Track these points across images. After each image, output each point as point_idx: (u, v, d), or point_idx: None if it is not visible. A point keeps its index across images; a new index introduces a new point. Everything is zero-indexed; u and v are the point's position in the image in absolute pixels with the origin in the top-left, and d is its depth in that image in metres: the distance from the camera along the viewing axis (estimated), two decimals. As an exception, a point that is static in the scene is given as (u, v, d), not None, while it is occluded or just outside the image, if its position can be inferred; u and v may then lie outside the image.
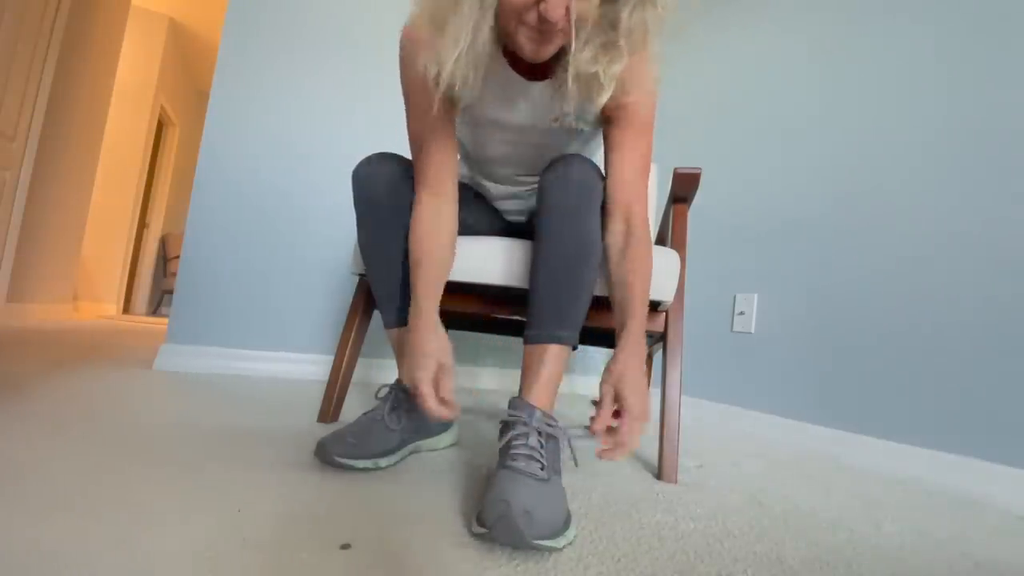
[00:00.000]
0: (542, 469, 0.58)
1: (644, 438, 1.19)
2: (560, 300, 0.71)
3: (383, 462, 0.73)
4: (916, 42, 1.19)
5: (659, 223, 1.20)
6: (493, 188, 0.94)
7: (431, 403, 0.62)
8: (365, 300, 1.03)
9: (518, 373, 1.16)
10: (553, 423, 0.65)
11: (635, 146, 0.74)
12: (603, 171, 0.76)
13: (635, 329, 0.66)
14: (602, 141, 0.80)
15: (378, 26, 1.75)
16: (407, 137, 0.78)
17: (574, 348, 0.73)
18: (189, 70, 4.82)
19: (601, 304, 0.80)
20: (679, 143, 1.90)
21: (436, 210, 0.75)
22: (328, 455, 0.69)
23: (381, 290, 0.84)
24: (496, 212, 1.01)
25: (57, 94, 2.36)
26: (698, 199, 1.58)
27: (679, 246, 0.95)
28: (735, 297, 1.57)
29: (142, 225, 4.61)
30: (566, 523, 0.54)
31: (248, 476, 0.64)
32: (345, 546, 0.48)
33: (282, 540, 0.48)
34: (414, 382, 0.63)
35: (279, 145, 1.65)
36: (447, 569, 0.46)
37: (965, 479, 0.96)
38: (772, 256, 1.47)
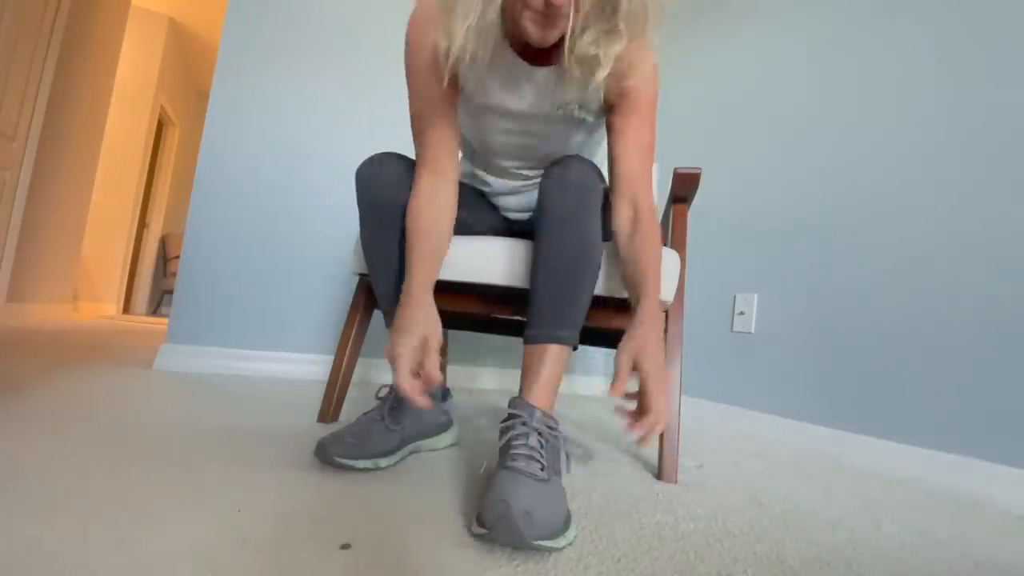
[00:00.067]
0: (542, 469, 0.58)
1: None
2: (560, 300, 0.71)
3: (383, 462, 0.73)
4: (916, 42, 1.19)
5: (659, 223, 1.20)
6: (494, 182, 0.94)
7: (404, 378, 0.60)
8: (365, 300, 1.03)
9: (518, 373, 1.16)
10: (553, 423, 0.65)
11: (638, 132, 0.75)
12: (607, 160, 0.77)
13: (649, 305, 0.67)
14: (605, 136, 0.80)
15: (379, 26, 1.75)
16: (409, 136, 0.79)
17: (574, 348, 0.73)
18: (189, 70, 4.82)
19: (601, 304, 0.80)
20: (679, 143, 1.90)
21: (433, 188, 0.76)
22: (328, 455, 0.69)
23: (383, 289, 0.84)
24: (496, 212, 1.01)
25: (57, 94, 2.36)
26: (698, 199, 1.58)
27: (679, 246, 0.95)
28: (735, 297, 1.57)
29: (142, 225, 4.61)
30: (566, 523, 0.54)
31: (248, 476, 0.64)
32: (345, 546, 0.48)
33: (282, 540, 0.48)
34: (392, 356, 0.61)
35: (279, 145, 1.65)
36: (447, 569, 0.46)
37: (965, 479, 0.96)
38: (772, 256, 1.47)
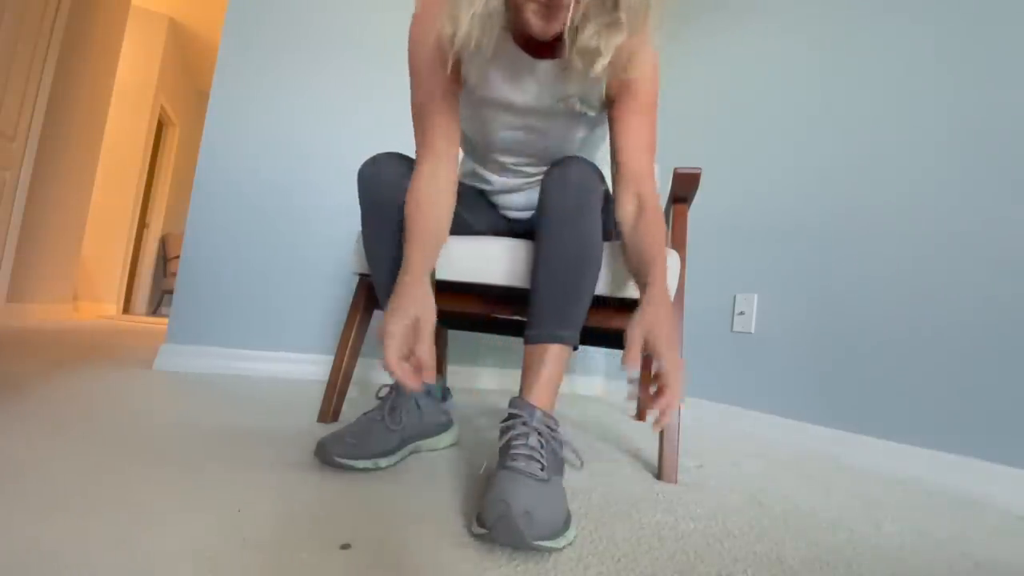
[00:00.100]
0: (542, 469, 0.58)
1: (644, 438, 1.19)
2: (561, 300, 0.71)
3: (383, 462, 0.73)
4: (916, 42, 1.19)
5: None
6: (494, 180, 0.94)
7: (392, 357, 0.58)
8: (365, 300, 1.03)
9: (518, 373, 1.16)
10: (553, 424, 0.65)
11: (640, 125, 0.76)
12: (610, 154, 0.78)
13: (656, 290, 0.66)
14: (606, 134, 0.81)
15: (380, 26, 1.75)
16: (410, 137, 0.79)
17: (575, 348, 0.73)
18: (189, 70, 4.82)
19: (601, 304, 0.80)
20: (679, 143, 1.90)
21: (433, 170, 0.76)
22: (328, 455, 0.69)
23: (383, 288, 0.84)
24: (496, 212, 1.01)
25: (57, 94, 2.36)
26: (698, 199, 1.58)
27: (679, 246, 0.95)
28: (735, 297, 1.57)
29: (142, 225, 4.62)
30: (566, 523, 0.54)
31: (248, 476, 0.64)
32: (345, 546, 0.48)
33: (282, 540, 0.48)
34: (382, 335, 0.60)
35: (279, 145, 1.65)
36: (447, 569, 0.46)
37: (965, 479, 0.96)
38: (772, 256, 1.47)
